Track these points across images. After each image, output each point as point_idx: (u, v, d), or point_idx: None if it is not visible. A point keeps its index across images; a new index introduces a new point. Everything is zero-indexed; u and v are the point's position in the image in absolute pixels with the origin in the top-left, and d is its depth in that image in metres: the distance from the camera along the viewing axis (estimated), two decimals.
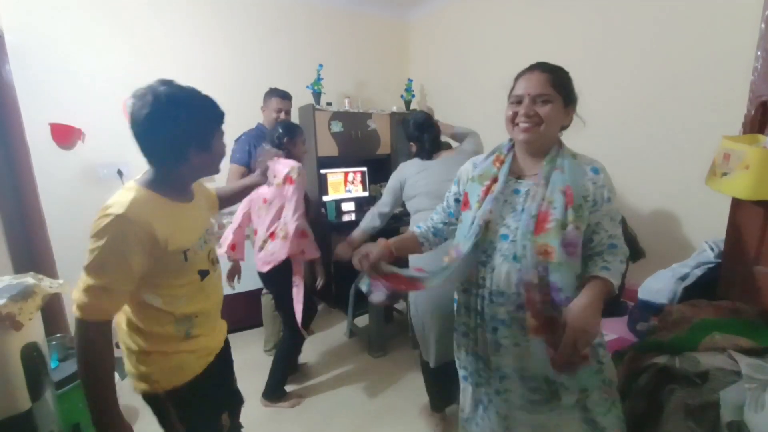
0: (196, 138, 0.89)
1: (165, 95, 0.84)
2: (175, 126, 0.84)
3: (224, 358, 1.12)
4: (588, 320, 0.87)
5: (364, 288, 1.07)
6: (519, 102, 0.98)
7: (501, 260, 0.98)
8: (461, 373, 1.19)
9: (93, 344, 0.79)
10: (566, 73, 1.01)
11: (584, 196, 0.96)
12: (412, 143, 1.85)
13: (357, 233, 1.87)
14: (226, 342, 1.16)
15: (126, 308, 0.92)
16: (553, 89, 0.95)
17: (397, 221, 3.21)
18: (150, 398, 0.95)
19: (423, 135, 1.78)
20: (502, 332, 1.01)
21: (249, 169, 2.19)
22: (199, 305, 0.98)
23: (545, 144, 1.00)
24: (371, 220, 1.89)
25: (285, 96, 2.32)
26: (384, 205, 1.86)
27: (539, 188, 0.97)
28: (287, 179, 1.74)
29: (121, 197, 0.83)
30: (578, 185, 0.96)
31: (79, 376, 0.82)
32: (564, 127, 1.04)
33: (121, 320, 0.95)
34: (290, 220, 1.75)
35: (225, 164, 2.59)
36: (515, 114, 0.99)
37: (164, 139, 0.85)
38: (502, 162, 1.05)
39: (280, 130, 1.87)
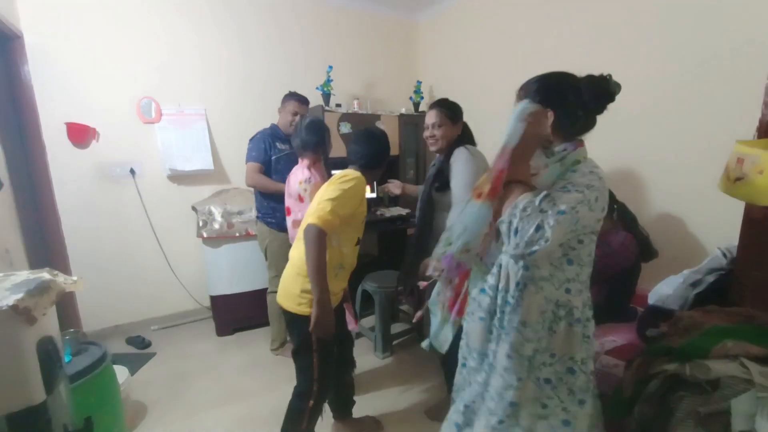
0: (385, 155, 1.59)
1: (375, 131, 1.60)
2: (380, 149, 1.56)
3: (340, 307, 1.63)
4: None
5: None
6: None
7: None
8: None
9: (322, 244, 1.30)
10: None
11: None
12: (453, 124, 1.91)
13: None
14: (345, 294, 1.65)
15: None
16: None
17: (404, 222, 3.18)
18: (302, 318, 1.40)
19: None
20: None
21: (265, 166, 2.32)
22: (348, 260, 1.50)
23: None
24: None
25: (303, 101, 2.41)
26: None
27: None
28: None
29: (357, 175, 1.45)
30: None
31: (310, 267, 1.30)
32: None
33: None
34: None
35: (239, 163, 2.60)
36: None
37: (372, 155, 1.54)
38: None
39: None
